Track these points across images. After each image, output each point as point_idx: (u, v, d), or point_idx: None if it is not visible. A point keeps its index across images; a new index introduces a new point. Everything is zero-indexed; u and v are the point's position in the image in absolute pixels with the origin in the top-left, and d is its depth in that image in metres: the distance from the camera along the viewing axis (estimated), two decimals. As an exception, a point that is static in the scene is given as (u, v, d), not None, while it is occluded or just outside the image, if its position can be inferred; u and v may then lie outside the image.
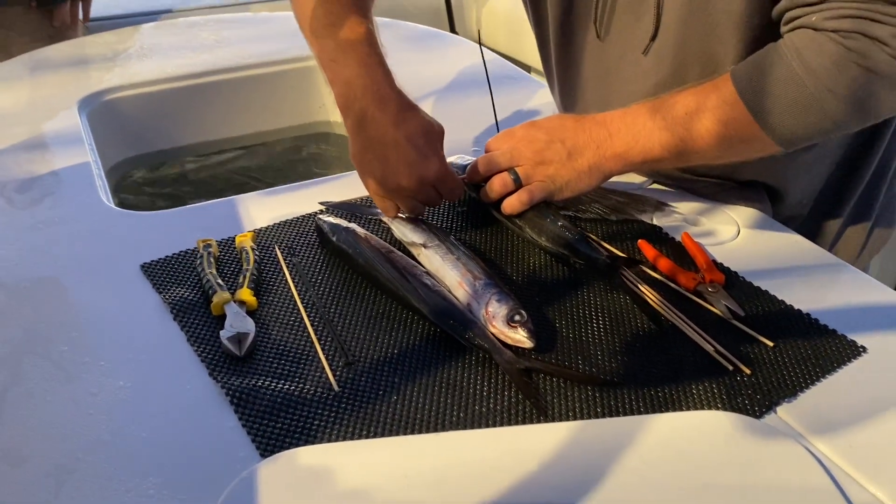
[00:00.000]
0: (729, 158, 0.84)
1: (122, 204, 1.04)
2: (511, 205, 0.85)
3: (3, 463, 0.61)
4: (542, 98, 1.25)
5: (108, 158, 1.23)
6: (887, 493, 0.59)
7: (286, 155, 1.41)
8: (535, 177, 0.84)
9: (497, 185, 0.86)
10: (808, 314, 0.77)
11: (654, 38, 0.86)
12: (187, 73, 1.34)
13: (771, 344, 0.72)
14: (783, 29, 0.77)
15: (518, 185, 0.85)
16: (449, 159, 0.99)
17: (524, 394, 0.67)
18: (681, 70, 0.86)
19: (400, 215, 0.87)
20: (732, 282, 0.81)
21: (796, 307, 0.77)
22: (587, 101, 0.98)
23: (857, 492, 0.59)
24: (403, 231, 0.85)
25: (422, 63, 1.39)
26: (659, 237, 0.88)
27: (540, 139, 0.84)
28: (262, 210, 0.93)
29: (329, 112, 1.46)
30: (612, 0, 0.88)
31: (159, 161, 1.34)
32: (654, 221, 0.91)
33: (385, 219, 0.89)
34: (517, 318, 0.71)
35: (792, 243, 0.89)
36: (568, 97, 1.02)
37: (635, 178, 0.99)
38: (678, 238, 0.87)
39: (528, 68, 2.28)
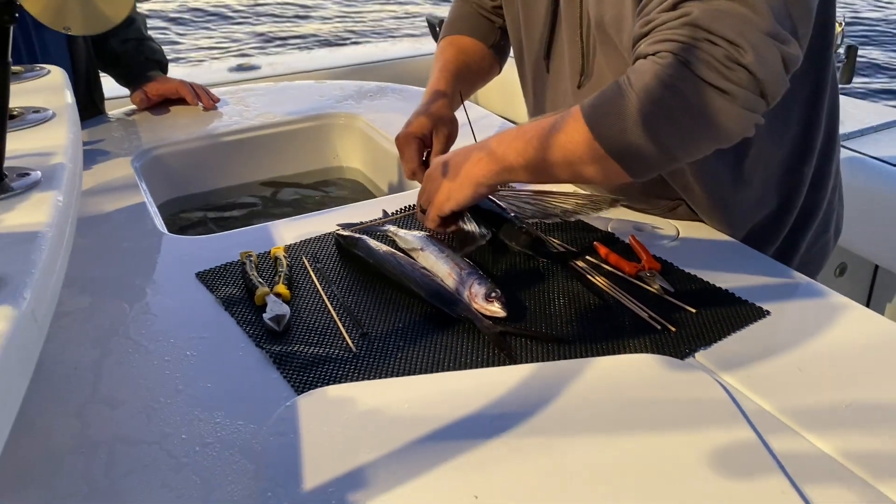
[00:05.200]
0: (576, 174, 0.92)
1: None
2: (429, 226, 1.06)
3: (106, 405, 0.81)
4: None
5: (158, 199, 1.45)
6: (771, 405, 0.78)
7: (305, 196, 1.64)
8: (435, 199, 1.01)
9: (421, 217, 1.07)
10: (726, 289, 0.96)
11: (582, 73, 1.04)
12: (220, 132, 1.58)
13: (693, 310, 0.92)
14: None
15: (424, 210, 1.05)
16: None
17: (499, 348, 0.86)
18: None
19: (401, 229, 1.09)
20: (668, 270, 1.01)
21: (718, 285, 0.97)
22: None
23: (749, 404, 0.78)
24: (406, 239, 1.07)
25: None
26: (612, 240, 1.09)
27: (436, 167, 1.02)
28: (290, 232, 1.15)
29: (341, 160, 1.69)
30: (560, 40, 1.08)
31: (200, 202, 1.56)
32: (609, 229, 1.12)
33: (390, 232, 1.10)
34: (493, 294, 0.91)
35: (722, 242, 1.09)
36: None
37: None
38: (627, 240, 1.08)
39: (519, 125, 2.52)
